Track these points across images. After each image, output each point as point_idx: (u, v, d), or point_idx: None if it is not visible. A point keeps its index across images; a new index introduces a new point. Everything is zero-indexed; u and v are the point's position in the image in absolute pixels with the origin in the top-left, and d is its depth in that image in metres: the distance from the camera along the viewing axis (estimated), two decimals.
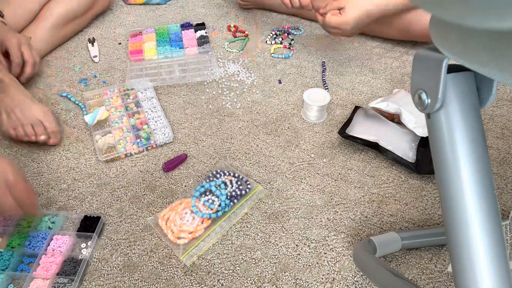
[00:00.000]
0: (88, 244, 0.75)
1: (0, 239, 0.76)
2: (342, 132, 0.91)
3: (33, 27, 1.17)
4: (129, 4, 1.48)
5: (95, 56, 1.22)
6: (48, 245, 0.75)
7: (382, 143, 0.87)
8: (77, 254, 0.74)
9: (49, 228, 0.78)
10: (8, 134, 0.93)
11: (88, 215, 0.79)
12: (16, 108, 0.92)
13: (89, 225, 0.77)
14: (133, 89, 1.07)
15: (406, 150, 0.87)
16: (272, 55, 1.21)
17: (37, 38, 1.16)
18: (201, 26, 1.32)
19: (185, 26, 1.31)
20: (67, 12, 1.22)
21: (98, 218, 0.78)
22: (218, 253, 0.73)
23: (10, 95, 0.94)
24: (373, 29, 1.23)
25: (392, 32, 1.21)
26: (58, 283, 0.69)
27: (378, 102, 0.92)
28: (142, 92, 1.07)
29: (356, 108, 0.99)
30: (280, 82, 1.12)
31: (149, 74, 1.13)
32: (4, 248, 0.74)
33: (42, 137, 0.91)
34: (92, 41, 1.27)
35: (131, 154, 0.92)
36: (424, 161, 0.85)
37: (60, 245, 0.75)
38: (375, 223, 0.78)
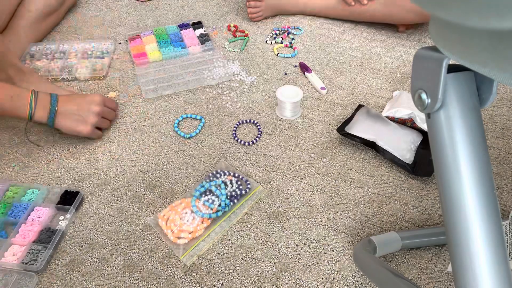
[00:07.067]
0: (66, 216, 0.79)
1: None
2: (341, 129, 0.91)
3: (15, 25, 1.18)
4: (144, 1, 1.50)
5: None
6: (29, 215, 0.79)
7: (380, 143, 0.86)
8: (55, 225, 0.78)
9: (31, 200, 0.82)
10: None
11: (69, 190, 0.83)
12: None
13: (68, 199, 0.81)
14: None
15: (404, 151, 0.86)
16: (279, 54, 1.21)
17: (20, 36, 1.17)
18: (198, 25, 1.32)
19: (183, 26, 1.31)
20: (45, 7, 1.24)
21: (77, 192, 0.82)
22: (218, 253, 0.73)
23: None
24: (386, 13, 1.23)
25: (410, 16, 1.21)
26: (33, 249, 0.74)
27: (388, 110, 0.93)
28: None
29: (359, 106, 0.98)
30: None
31: (161, 80, 1.12)
32: None
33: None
34: None
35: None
36: (422, 163, 0.84)
37: (40, 215, 0.79)
38: (375, 223, 0.78)
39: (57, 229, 0.76)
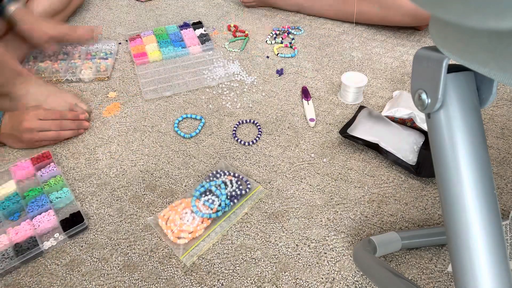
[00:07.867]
0: (58, 237, 0.75)
1: (24, 182, 0.84)
2: (344, 131, 0.91)
3: None
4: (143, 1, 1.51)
5: None
6: (40, 214, 0.77)
7: (383, 144, 0.86)
8: (45, 239, 0.75)
9: (58, 199, 0.80)
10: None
11: (80, 214, 0.77)
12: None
13: (74, 222, 0.76)
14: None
15: (407, 152, 0.86)
16: (279, 55, 1.21)
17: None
18: (198, 24, 1.32)
19: (183, 26, 1.31)
20: (50, 9, 1.24)
21: (81, 221, 0.76)
22: (218, 253, 0.73)
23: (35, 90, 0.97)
24: (382, 17, 1.23)
25: (400, 17, 1.21)
26: (7, 251, 0.72)
27: (388, 110, 0.93)
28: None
29: (361, 108, 0.98)
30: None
31: (162, 80, 1.12)
32: (20, 192, 0.82)
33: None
34: None
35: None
36: (425, 164, 0.84)
37: (43, 222, 0.76)
38: (375, 223, 0.78)
39: (38, 246, 0.72)
